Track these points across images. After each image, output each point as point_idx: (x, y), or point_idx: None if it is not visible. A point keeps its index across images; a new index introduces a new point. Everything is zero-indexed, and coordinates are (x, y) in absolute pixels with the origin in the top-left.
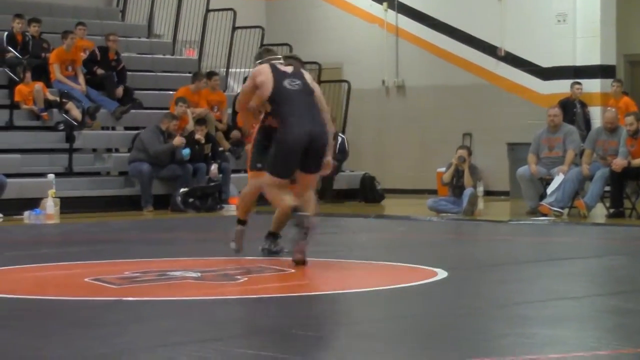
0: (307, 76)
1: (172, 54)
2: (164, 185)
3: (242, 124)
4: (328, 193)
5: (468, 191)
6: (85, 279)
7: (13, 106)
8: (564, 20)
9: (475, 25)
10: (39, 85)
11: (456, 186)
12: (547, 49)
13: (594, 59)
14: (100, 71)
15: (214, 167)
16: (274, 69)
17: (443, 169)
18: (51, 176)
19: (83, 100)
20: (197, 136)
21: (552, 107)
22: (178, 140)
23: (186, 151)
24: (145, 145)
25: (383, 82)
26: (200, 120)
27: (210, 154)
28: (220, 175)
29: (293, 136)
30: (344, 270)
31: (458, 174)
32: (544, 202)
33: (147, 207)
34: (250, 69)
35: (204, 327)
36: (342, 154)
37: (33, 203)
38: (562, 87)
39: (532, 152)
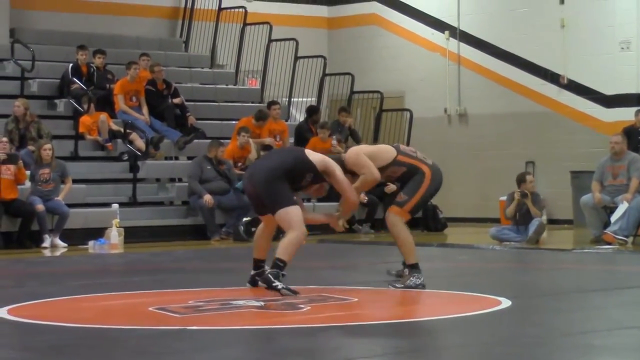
0: (310, 151)
1: (235, 84)
2: (224, 215)
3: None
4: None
5: (536, 221)
6: (150, 308)
7: (78, 137)
8: (627, 47)
9: (538, 53)
10: (103, 116)
11: (520, 218)
12: (611, 76)
13: None
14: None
15: None
16: None
17: (504, 197)
18: (115, 206)
19: (147, 131)
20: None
21: (615, 135)
22: (208, 198)
23: (240, 184)
24: (189, 174)
25: (445, 110)
26: (267, 147)
27: None
28: None
29: (243, 180)
30: (406, 299)
31: (521, 206)
32: (608, 231)
33: (214, 236)
34: (313, 99)
35: (268, 356)
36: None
37: (97, 233)
38: (625, 114)
39: (596, 180)
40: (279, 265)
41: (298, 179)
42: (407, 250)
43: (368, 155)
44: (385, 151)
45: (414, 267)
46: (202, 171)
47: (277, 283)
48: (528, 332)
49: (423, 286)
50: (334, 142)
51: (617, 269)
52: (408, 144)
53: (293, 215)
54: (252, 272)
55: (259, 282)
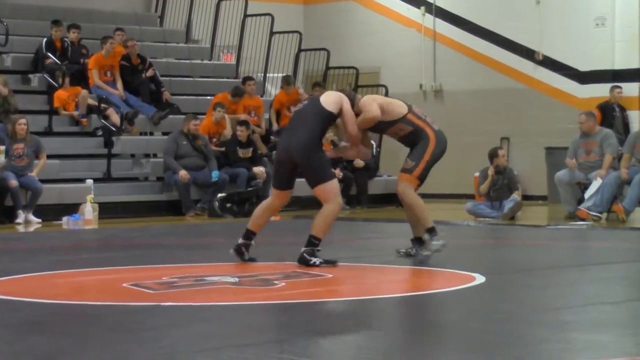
0: (325, 98)
1: (210, 59)
2: (199, 191)
3: None
4: (363, 198)
5: (514, 200)
6: (124, 284)
7: (52, 112)
8: (602, 23)
9: (513, 29)
10: (85, 92)
11: (493, 194)
12: (586, 52)
13: (633, 63)
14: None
15: (261, 169)
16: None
17: (478, 174)
18: (90, 181)
19: (121, 106)
20: (240, 134)
21: (580, 114)
22: (184, 174)
23: (215, 174)
24: (165, 150)
25: (420, 86)
26: (243, 122)
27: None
28: (259, 181)
29: (277, 150)
30: (381, 275)
31: (495, 182)
32: (582, 207)
33: (188, 212)
34: (287, 74)
35: (242, 332)
36: (372, 159)
37: (71, 208)
38: (600, 90)
39: (570, 158)
40: (314, 242)
41: (327, 130)
42: (422, 216)
43: (380, 104)
44: (398, 105)
45: (431, 231)
46: (178, 146)
47: (313, 260)
48: (502, 308)
49: (445, 246)
50: (301, 90)
51: (590, 245)
52: None
53: (331, 189)
54: (240, 241)
55: (297, 262)
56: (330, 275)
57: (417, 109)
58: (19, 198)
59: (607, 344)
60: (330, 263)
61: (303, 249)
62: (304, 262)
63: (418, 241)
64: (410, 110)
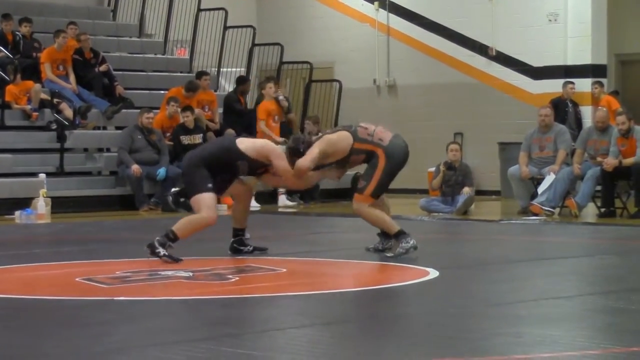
0: (246, 140)
1: (163, 54)
2: (153, 185)
3: None
4: (315, 192)
5: (467, 195)
6: (77, 279)
7: (4, 106)
8: (555, 19)
9: (467, 25)
10: (38, 86)
11: (446, 189)
12: (538, 48)
13: (585, 59)
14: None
15: None
16: None
17: (433, 169)
18: (42, 176)
19: (74, 100)
20: (186, 120)
21: (544, 107)
22: (136, 168)
23: (161, 172)
24: (119, 145)
25: (374, 81)
26: (186, 107)
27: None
28: None
29: None
30: (334, 269)
31: (447, 178)
32: (535, 202)
33: (142, 207)
34: (242, 69)
35: (195, 327)
36: None
37: (24, 203)
38: (553, 86)
39: (524, 151)
40: (170, 237)
41: (226, 167)
42: (384, 226)
43: (324, 151)
44: (344, 140)
45: (398, 235)
46: (133, 141)
47: (160, 250)
48: (455, 302)
49: (415, 248)
50: (281, 97)
51: (543, 240)
52: (337, 115)
53: (203, 201)
54: (232, 240)
55: (146, 246)
56: (284, 270)
57: (363, 130)
58: None
59: (559, 338)
60: (174, 260)
61: (157, 237)
62: (151, 248)
63: (385, 235)
64: (355, 138)
